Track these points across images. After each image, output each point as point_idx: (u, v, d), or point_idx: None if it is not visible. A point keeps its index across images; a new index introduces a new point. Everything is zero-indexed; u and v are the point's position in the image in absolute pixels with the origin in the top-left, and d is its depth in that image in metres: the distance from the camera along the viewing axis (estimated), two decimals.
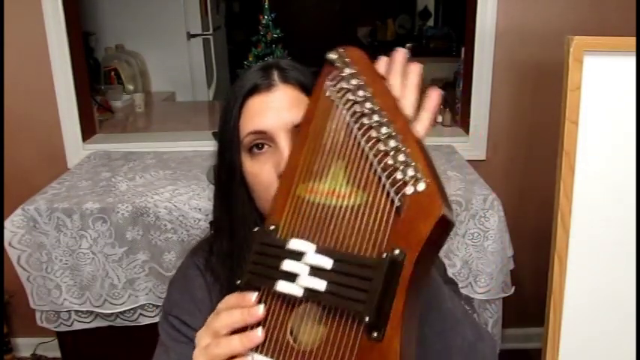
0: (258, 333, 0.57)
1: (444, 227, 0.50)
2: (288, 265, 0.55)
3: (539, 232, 1.95)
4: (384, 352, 0.49)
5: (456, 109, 2.22)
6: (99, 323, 1.64)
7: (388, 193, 0.53)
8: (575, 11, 1.87)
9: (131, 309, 1.60)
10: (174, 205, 1.52)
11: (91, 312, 1.61)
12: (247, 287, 0.58)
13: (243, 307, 0.58)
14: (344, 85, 0.58)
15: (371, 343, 0.50)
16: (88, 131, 2.06)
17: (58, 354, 1.79)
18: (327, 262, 0.54)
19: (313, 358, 0.54)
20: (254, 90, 0.74)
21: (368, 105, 0.56)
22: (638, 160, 1.17)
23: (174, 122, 2.47)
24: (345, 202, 0.55)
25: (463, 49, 2.07)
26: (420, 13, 4.85)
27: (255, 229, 0.60)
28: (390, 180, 0.52)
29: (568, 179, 1.17)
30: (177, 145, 2.01)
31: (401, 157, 0.52)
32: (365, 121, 0.55)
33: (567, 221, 1.19)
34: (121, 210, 1.51)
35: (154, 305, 1.61)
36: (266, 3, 1.77)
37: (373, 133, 0.54)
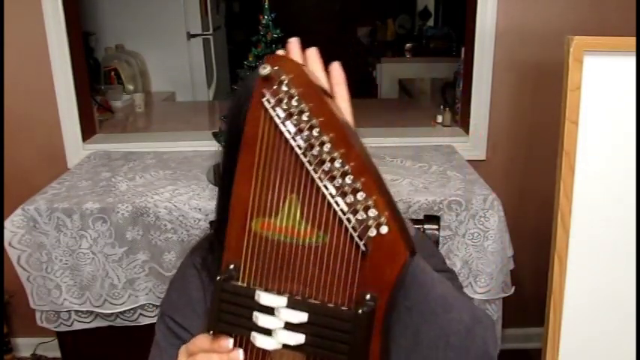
0: None
1: (408, 265, 0.52)
2: (262, 321, 0.54)
3: (539, 232, 1.96)
4: None
5: (456, 109, 2.22)
6: (99, 323, 1.64)
7: (351, 236, 0.52)
8: (575, 11, 1.87)
9: (131, 309, 1.60)
10: (174, 205, 1.52)
11: (91, 312, 1.61)
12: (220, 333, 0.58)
13: (219, 352, 0.57)
14: (285, 106, 0.53)
15: None
16: (88, 131, 2.06)
17: (58, 354, 1.79)
18: (301, 317, 0.53)
19: None
20: None
21: (315, 133, 0.52)
22: (638, 160, 1.17)
23: (174, 122, 2.47)
24: (306, 241, 0.54)
25: (463, 49, 2.07)
26: (420, 13, 4.85)
27: (218, 279, 0.56)
28: (351, 223, 0.52)
29: (568, 179, 1.17)
30: (177, 145, 2.01)
31: (359, 196, 0.51)
32: (315, 152, 0.52)
33: (567, 221, 1.19)
34: (121, 210, 1.51)
35: (154, 305, 1.61)
36: (266, 3, 1.77)
37: (327, 167, 0.52)
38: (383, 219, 0.50)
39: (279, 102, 0.53)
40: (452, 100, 2.30)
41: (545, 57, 1.90)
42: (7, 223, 1.52)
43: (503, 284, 1.61)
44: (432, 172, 1.73)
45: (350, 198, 0.51)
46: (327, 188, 0.52)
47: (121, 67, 2.92)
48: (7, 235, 1.52)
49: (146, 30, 3.25)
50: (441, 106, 2.25)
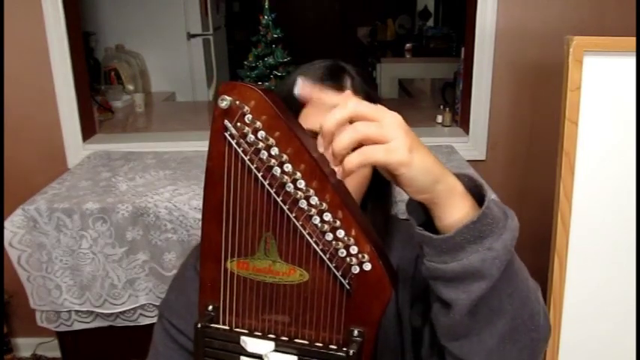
0: None
1: (391, 299, 0.51)
2: None
3: (539, 232, 1.95)
4: None
5: (456, 109, 2.22)
6: (99, 323, 1.64)
7: (334, 274, 0.51)
8: (575, 11, 1.88)
9: (131, 309, 1.60)
10: (174, 205, 1.52)
11: (91, 312, 1.61)
12: None
13: None
14: (250, 140, 0.49)
15: None
16: (88, 131, 2.06)
17: (58, 354, 1.79)
18: None
19: None
20: (324, 88, 0.71)
21: (286, 168, 0.49)
22: (638, 160, 1.17)
23: (174, 122, 2.47)
24: (287, 280, 0.53)
25: (463, 49, 2.07)
26: (420, 13, 4.85)
27: (198, 325, 0.55)
28: (334, 262, 0.51)
29: (568, 179, 1.17)
30: (177, 145, 2.01)
31: (339, 234, 0.49)
32: (288, 189, 0.49)
33: (567, 221, 1.19)
34: (121, 210, 1.51)
35: (154, 305, 1.61)
36: (266, 3, 1.77)
37: (302, 205, 0.50)
38: (365, 256, 0.49)
39: (243, 136, 0.50)
40: (452, 100, 2.30)
41: (545, 57, 1.90)
42: (7, 223, 1.52)
43: None
44: None
45: (329, 236, 0.50)
46: (304, 228, 0.50)
47: (121, 67, 2.92)
48: (7, 235, 1.52)
49: (146, 30, 3.25)
50: (441, 106, 2.25)
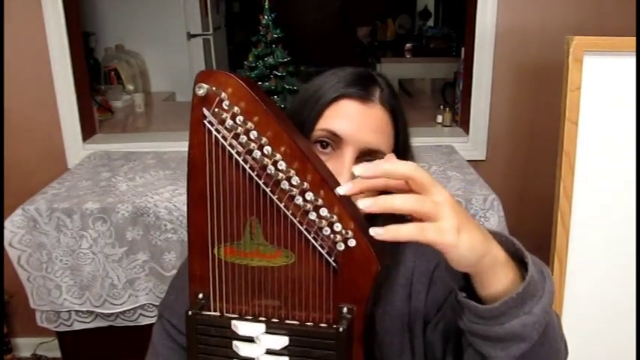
0: None
1: (380, 273, 0.51)
2: (243, 350, 0.53)
3: (539, 232, 1.95)
4: None
5: (456, 109, 2.22)
6: (99, 323, 1.64)
7: (320, 253, 0.51)
8: (575, 11, 1.88)
9: (131, 309, 1.60)
10: (174, 205, 1.52)
11: (91, 312, 1.61)
12: None
13: None
14: (229, 126, 0.49)
15: None
16: (88, 131, 2.06)
17: (58, 354, 1.79)
18: (282, 342, 0.53)
19: None
20: (351, 94, 0.71)
21: (266, 150, 0.49)
22: (638, 160, 1.17)
23: (174, 122, 2.47)
24: (274, 263, 0.53)
25: (463, 49, 2.07)
26: (420, 13, 4.85)
27: (189, 313, 0.54)
28: (318, 241, 0.51)
29: (568, 179, 1.17)
30: (177, 145, 2.01)
31: (322, 212, 0.49)
32: (270, 171, 0.50)
33: (567, 221, 1.19)
34: (121, 210, 1.51)
35: (154, 305, 1.61)
36: (266, 3, 1.77)
37: (284, 186, 0.50)
38: (349, 232, 0.50)
39: (222, 122, 0.50)
40: (452, 100, 2.30)
41: (545, 57, 1.90)
42: (7, 223, 1.52)
43: None
44: (432, 172, 1.73)
45: (313, 215, 0.50)
46: (287, 208, 0.50)
47: (121, 67, 2.92)
48: (7, 235, 1.52)
49: (146, 30, 3.25)
50: (441, 106, 2.25)
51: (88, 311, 1.61)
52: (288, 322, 0.53)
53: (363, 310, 0.52)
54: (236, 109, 0.49)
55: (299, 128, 0.69)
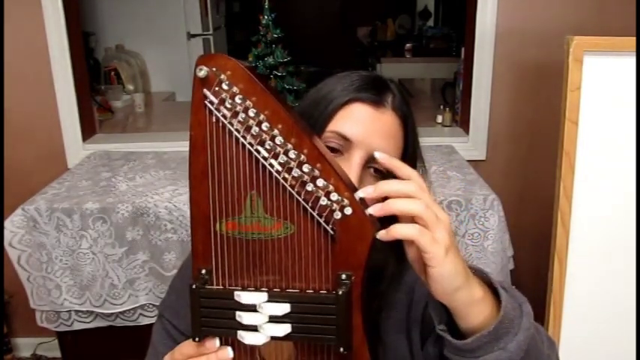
0: None
1: (375, 239, 0.53)
2: (246, 319, 0.55)
3: (539, 232, 1.95)
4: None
5: (456, 109, 2.22)
6: (99, 323, 1.64)
7: (318, 222, 0.53)
8: (575, 11, 1.88)
9: (131, 309, 1.60)
10: (174, 205, 1.52)
11: (91, 312, 1.61)
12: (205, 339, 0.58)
13: (207, 354, 0.57)
14: (229, 105, 0.52)
15: (344, 357, 0.55)
16: (88, 131, 2.06)
17: (58, 354, 1.79)
18: (284, 309, 0.54)
19: None
20: (364, 98, 0.71)
21: (265, 127, 0.52)
22: (638, 160, 1.17)
23: (174, 122, 2.47)
24: (275, 234, 0.54)
25: (463, 49, 2.07)
26: (420, 13, 4.85)
27: (193, 287, 0.56)
28: (316, 210, 0.53)
29: (568, 179, 1.17)
30: (177, 145, 2.01)
31: (319, 182, 0.52)
32: (268, 146, 0.52)
33: (567, 221, 1.19)
34: (121, 210, 1.51)
35: (154, 305, 1.61)
36: (266, 3, 1.77)
37: (282, 160, 0.52)
38: (345, 201, 0.52)
39: (222, 102, 0.52)
40: (452, 100, 2.30)
41: (545, 57, 1.90)
42: (7, 223, 1.52)
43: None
44: (432, 172, 1.73)
45: (310, 186, 0.52)
46: (286, 180, 0.53)
47: (121, 67, 2.92)
48: (7, 235, 1.52)
49: (146, 30, 3.25)
50: (441, 106, 2.25)
51: (88, 311, 1.61)
52: (289, 290, 0.55)
53: (361, 277, 0.54)
54: (235, 89, 0.52)
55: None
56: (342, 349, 0.54)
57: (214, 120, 0.53)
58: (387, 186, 0.54)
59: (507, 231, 1.60)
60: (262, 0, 1.77)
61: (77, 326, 1.63)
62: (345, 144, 0.69)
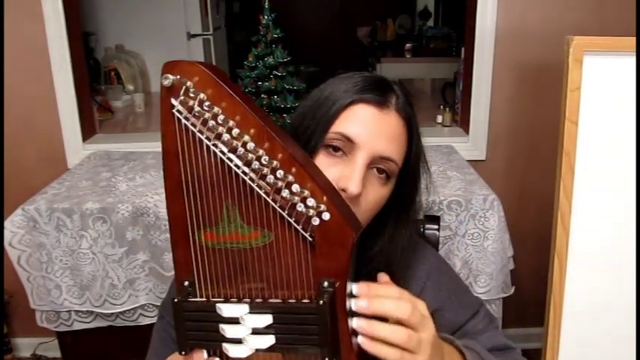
0: None
1: (355, 243, 0.53)
2: (229, 332, 0.54)
3: (539, 232, 1.95)
4: None
5: (456, 109, 2.22)
6: (99, 323, 1.64)
7: (296, 229, 0.52)
8: (575, 11, 1.87)
9: (131, 309, 1.60)
10: None
11: (91, 312, 1.61)
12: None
13: None
14: (197, 113, 0.51)
15: None
16: (88, 131, 2.06)
17: (58, 354, 1.79)
18: (266, 320, 0.53)
19: None
20: (368, 99, 0.71)
21: (235, 133, 0.51)
22: (638, 160, 1.17)
23: None
24: (253, 243, 0.54)
25: (463, 49, 2.07)
26: (420, 13, 4.85)
27: (175, 300, 0.56)
28: (293, 217, 0.52)
29: (568, 179, 1.17)
30: None
31: (294, 188, 0.51)
32: (240, 153, 0.51)
33: (567, 221, 1.19)
34: (121, 210, 1.51)
35: (154, 305, 1.61)
36: (266, 3, 1.77)
37: (255, 166, 0.51)
38: (322, 206, 0.51)
39: (190, 110, 0.51)
40: (452, 100, 2.30)
41: (545, 57, 1.90)
42: (7, 223, 1.52)
43: (503, 284, 1.61)
44: (432, 172, 1.72)
45: (285, 192, 0.51)
46: (260, 188, 0.52)
47: (121, 67, 2.92)
48: (7, 235, 1.52)
49: (146, 30, 3.25)
50: (441, 106, 2.25)
51: (88, 311, 1.61)
52: (271, 300, 0.54)
53: (344, 283, 0.53)
54: (202, 95, 0.50)
55: (310, 130, 0.70)
56: (327, 359, 0.53)
57: (184, 129, 0.52)
58: (381, 306, 0.55)
59: (507, 231, 1.60)
60: (262, 0, 1.77)
61: (77, 326, 1.63)
62: (349, 145, 0.69)
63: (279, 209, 0.52)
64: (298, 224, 0.52)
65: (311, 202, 0.51)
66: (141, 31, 3.23)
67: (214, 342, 0.55)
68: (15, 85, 1.91)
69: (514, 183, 2.06)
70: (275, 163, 0.51)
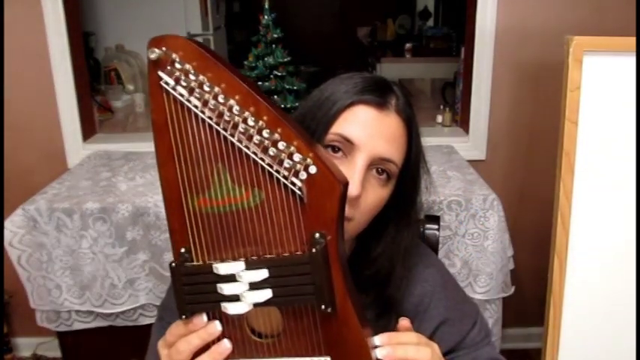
0: (226, 344, 0.58)
1: (345, 194, 0.54)
2: (227, 289, 0.55)
3: (539, 232, 1.95)
4: (343, 319, 0.56)
5: (456, 109, 2.22)
6: (99, 323, 1.64)
7: (285, 185, 0.54)
8: (575, 11, 1.88)
9: (131, 309, 1.60)
10: None
11: (91, 312, 1.61)
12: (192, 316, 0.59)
13: (196, 330, 0.58)
14: (184, 83, 0.53)
15: (329, 316, 0.56)
16: (88, 131, 2.06)
17: (58, 354, 1.79)
18: (262, 274, 0.55)
19: (284, 345, 0.58)
20: (368, 100, 0.71)
21: (221, 99, 0.53)
22: (638, 160, 1.17)
23: None
24: (245, 204, 0.55)
25: (463, 49, 2.07)
26: (420, 13, 4.85)
27: (173, 265, 0.57)
28: (281, 173, 0.53)
29: (568, 179, 1.17)
30: None
31: (280, 146, 0.52)
32: (227, 117, 0.53)
33: (567, 221, 1.19)
34: (121, 210, 1.51)
35: (154, 305, 1.61)
36: (266, 3, 1.77)
37: (242, 129, 0.53)
38: (309, 160, 0.52)
39: (177, 81, 0.53)
40: (452, 100, 2.30)
41: (545, 57, 1.90)
42: (7, 223, 1.52)
43: (503, 284, 1.61)
44: (432, 172, 1.72)
45: (272, 150, 0.53)
46: (248, 148, 0.53)
47: (121, 67, 2.92)
48: (7, 235, 1.52)
49: (146, 30, 3.23)
50: (441, 106, 2.25)
51: (88, 311, 1.61)
52: (266, 256, 0.56)
53: (335, 233, 0.54)
54: (188, 66, 0.52)
55: (310, 131, 0.70)
56: (323, 307, 0.55)
57: (172, 99, 0.54)
58: (405, 353, 0.59)
59: (507, 231, 1.60)
60: (262, 0, 1.77)
61: (77, 326, 1.63)
62: (349, 146, 0.69)
63: (267, 167, 0.53)
64: (287, 179, 0.53)
65: (297, 157, 0.52)
66: (141, 31, 3.20)
67: (213, 303, 0.57)
68: (15, 85, 1.91)
69: (514, 183, 2.07)
70: (261, 123, 0.52)
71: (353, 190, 0.66)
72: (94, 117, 2.19)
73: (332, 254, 0.55)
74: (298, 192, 0.53)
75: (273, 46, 1.79)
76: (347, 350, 0.57)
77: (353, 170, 0.67)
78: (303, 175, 0.53)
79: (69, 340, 1.69)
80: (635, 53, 1.13)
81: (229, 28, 4.49)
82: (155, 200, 1.53)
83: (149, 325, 1.64)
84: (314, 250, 0.53)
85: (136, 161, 1.87)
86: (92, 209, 1.51)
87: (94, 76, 2.83)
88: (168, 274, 1.62)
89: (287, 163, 0.52)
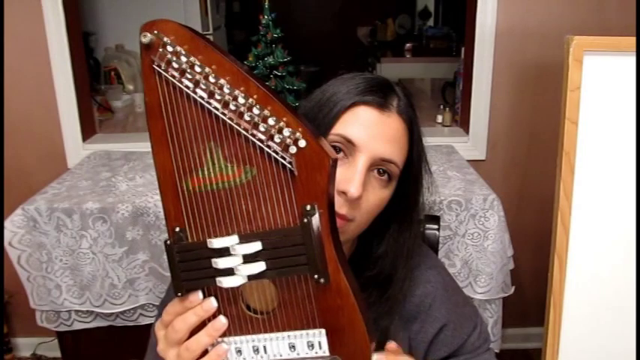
0: (222, 320, 0.59)
1: (334, 167, 0.55)
2: (221, 263, 0.57)
3: (539, 232, 1.95)
4: (337, 289, 0.57)
5: (456, 109, 2.22)
6: (99, 323, 1.64)
7: (275, 160, 0.55)
8: (575, 11, 1.88)
9: (131, 309, 1.60)
10: None
11: (91, 312, 1.61)
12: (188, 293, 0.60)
13: (192, 307, 0.59)
14: (176, 65, 0.55)
15: (323, 287, 0.57)
16: (88, 131, 2.06)
17: (58, 354, 1.79)
18: (256, 246, 0.56)
19: (280, 319, 0.59)
20: (369, 101, 0.70)
21: (212, 79, 0.54)
22: (638, 160, 1.17)
23: None
24: (238, 181, 0.57)
25: (463, 49, 2.07)
26: (420, 13, 4.85)
27: (167, 242, 0.59)
28: (272, 148, 0.55)
29: (568, 179, 1.17)
30: None
31: (271, 122, 0.54)
32: (218, 97, 0.54)
33: (567, 221, 1.19)
34: (121, 210, 1.51)
35: (154, 305, 1.61)
36: (266, 3, 1.77)
37: (233, 107, 0.54)
38: (298, 134, 0.54)
39: (169, 63, 0.55)
40: (452, 100, 2.30)
41: (545, 57, 1.90)
42: (7, 223, 1.52)
43: (503, 284, 1.61)
44: (432, 172, 1.73)
45: (263, 126, 0.54)
46: (239, 125, 0.55)
47: (121, 67, 2.92)
48: (7, 235, 1.52)
49: None
50: (441, 106, 2.25)
51: (88, 311, 1.61)
52: (259, 230, 0.57)
53: (325, 205, 0.56)
54: (179, 48, 0.54)
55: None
56: (316, 277, 0.56)
57: (165, 81, 0.56)
58: None
59: (507, 231, 1.60)
60: (262, 0, 1.77)
61: (77, 326, 1.63)
62: (350, 147, 0.69)
63: (258, 142, 0.55)
64: (277, 154, 0.55)
65: (287, 131, 0.54)
66: None
67: (208, 278, 0.58)
68: (15, 85, 1.91)
69: (514, 183, 2.07)
70: (251, 100, 0.54)
71: (354, 191, 0.66)
72: (94, 117, 2.19)
73: (323, 225, 0.56)
74: (289, 165, 0.55)
75: (273, 45, 1.79)
76: (341, 321, 0.57)
77: (354, 171, 0.67)
78: (293, 149, 0.54)
79: (69, 340, 1.69)
80: (635, 53, 1.13)
81: (229, 28, 4.49)
82: (155, 200, 1.53)
83: (149, 325, 1.64)
84: (305, 220, 0.55)
85: (136, 161, 1.87)
86: (92, 209, 1.51)
87: (94, 76, 2.83)
88: (168, 274, 1.62)
89: (277, 137, 0.54)
